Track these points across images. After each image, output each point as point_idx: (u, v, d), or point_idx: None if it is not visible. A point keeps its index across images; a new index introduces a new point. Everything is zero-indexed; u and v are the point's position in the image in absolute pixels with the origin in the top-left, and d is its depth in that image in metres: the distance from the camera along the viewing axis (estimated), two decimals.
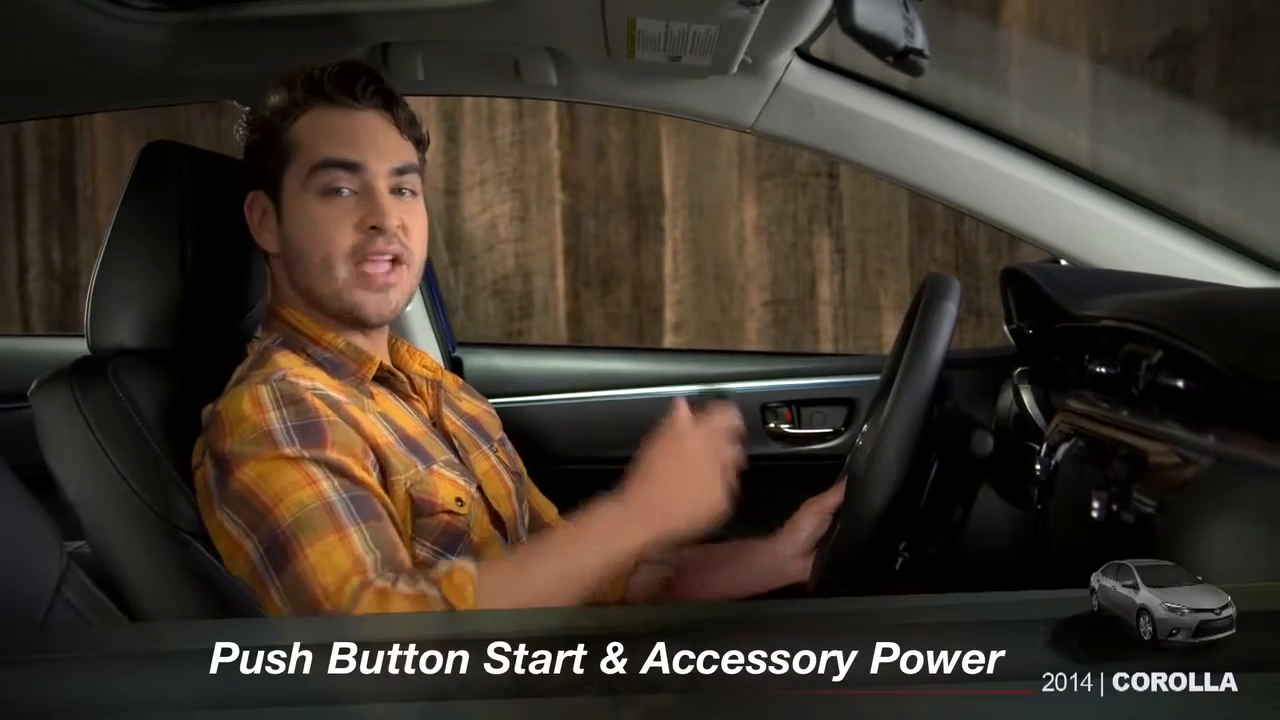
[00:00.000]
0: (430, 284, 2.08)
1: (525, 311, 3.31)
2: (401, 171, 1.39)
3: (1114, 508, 1.00)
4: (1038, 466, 1.25)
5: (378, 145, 1.38)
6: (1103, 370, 1.21)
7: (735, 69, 1.58)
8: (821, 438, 1.91)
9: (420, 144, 1.45)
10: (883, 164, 1.73)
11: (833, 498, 1.53)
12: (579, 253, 3.27)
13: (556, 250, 3.28)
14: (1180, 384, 1.01)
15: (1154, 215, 1.73)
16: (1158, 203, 1.75)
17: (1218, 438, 0.92)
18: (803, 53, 1.67)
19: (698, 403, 1.33)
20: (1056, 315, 1.39)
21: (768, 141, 3.07)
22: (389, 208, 1.36)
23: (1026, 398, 1.51)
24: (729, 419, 1.31)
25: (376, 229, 1.35)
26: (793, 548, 1.53)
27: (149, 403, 1.37)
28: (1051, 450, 1.23)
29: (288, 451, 1.25)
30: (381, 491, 1.29)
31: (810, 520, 1.53)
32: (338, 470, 1.25)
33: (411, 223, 1.39)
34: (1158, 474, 0.97)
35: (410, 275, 1.41)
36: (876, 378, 1.65)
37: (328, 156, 1.36)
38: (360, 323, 1.40)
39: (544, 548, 1.28)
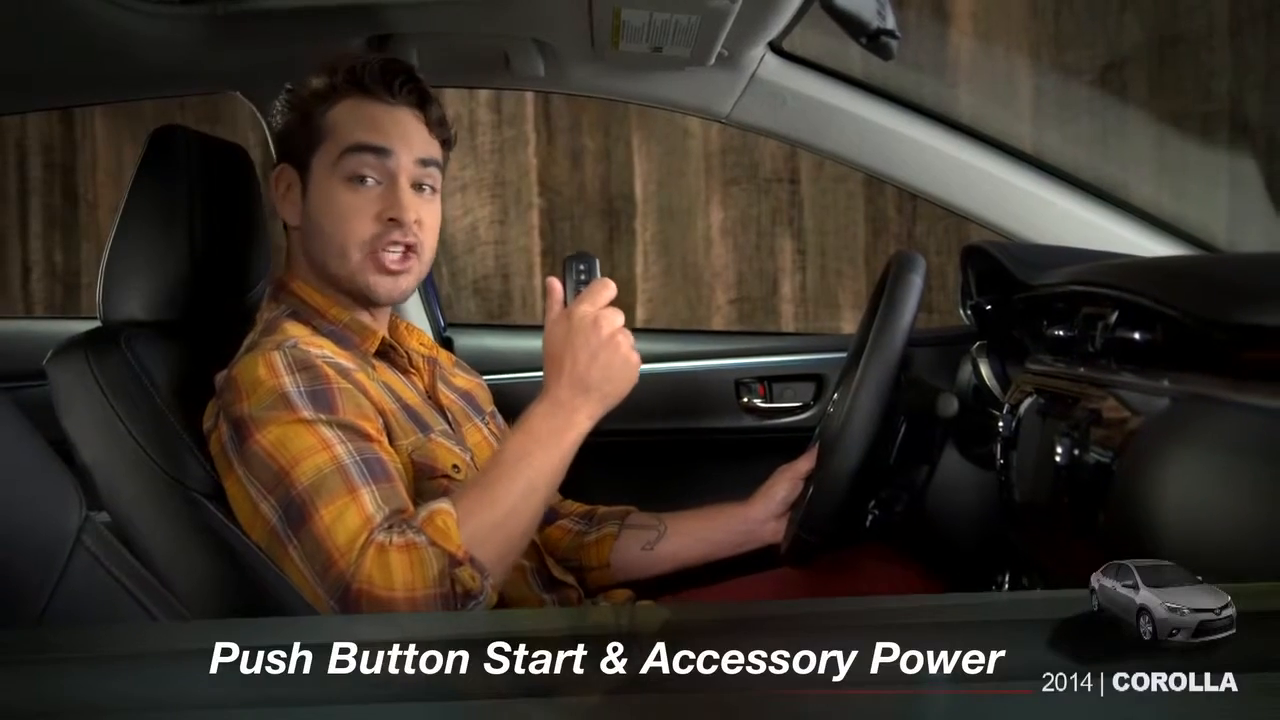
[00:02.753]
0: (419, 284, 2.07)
1: (504, 309, 3.30)
2: (425, 163, 1.39)
3: (1076, 452, 1.01)
4: (1000, 424, 1.26)
5: (407, 137, 1.38)
6: (1060, 334, 1.22)
7: (713, 61, 1.59)
8: (792, 411, 1.91)
9: (447, 144, 1.45)
10: (850, 153, 1.74)
11: (804, 464, 1.53)
12: (556, 253, 3.26)
13: (534, 251, 3.27)
14: (1137, 336, 1.01)
15: (1094, 200, 1.76)
16: (1098, 188, 1.77)
17: (1173, 381, 0.93)
18: (776, 47, 1.67)
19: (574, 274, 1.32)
20: (1015, 287, 1.39)
21: (743, 132, 3.09)
22: (408, 202, 1.37)
23: (984, 369, 1.52)
24: (603, 285, 1.30)
25: (395, 221, 1.36)
26: (767, 511, 1.54)
27: (160, 370, 1.36)
28: (1014, 408, 1.24)
29: (304, 415, 1.24)
30: (391, 450, 1.29)
31: (783, 485, 1.54)
32: (350, 432, 1.25)
33: (427, 218, 1.40)
34: (1116, 418, 0.98)
35: (421, 264, 1.41)
36: (843, 355, 1.65)
37: (359, 140, 1.36)
38: (371, 302, 1.41)
39: (503, 469, 1.25)
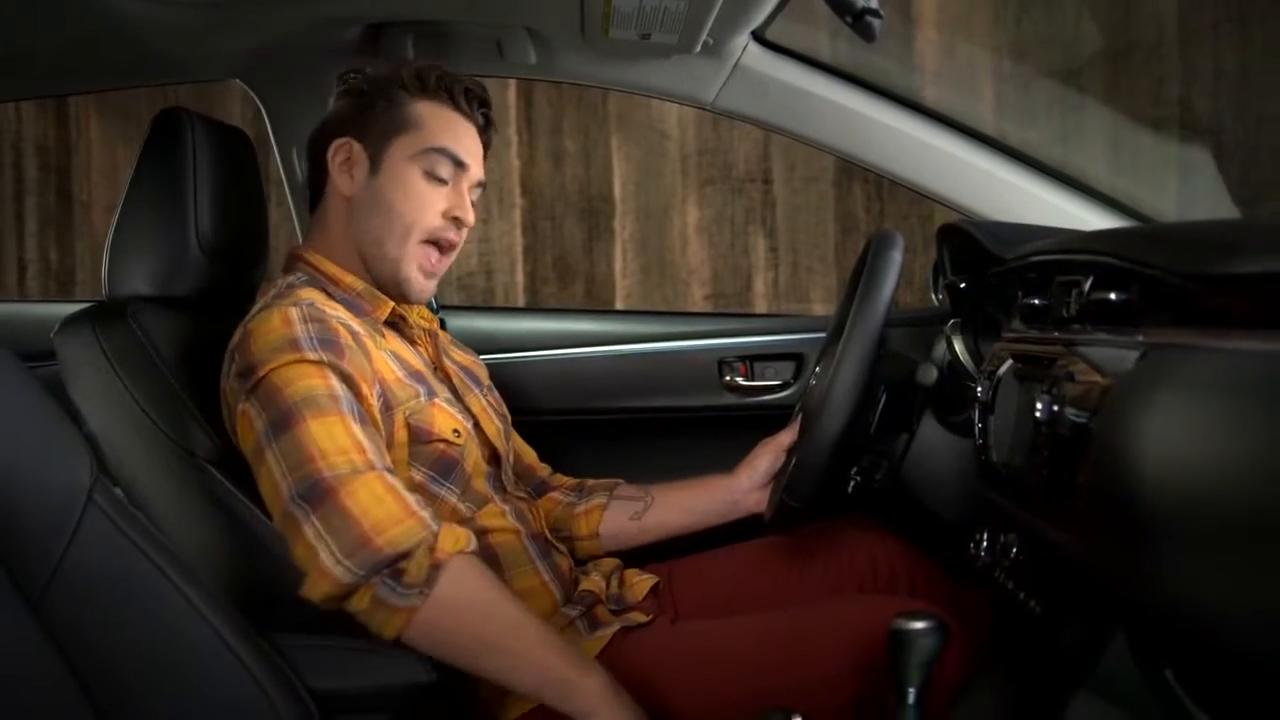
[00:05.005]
0: None
1: (488, 305, 3.29)
2: (479, 185, 1.47)
3: (1055, 408, 1.01)
4: (978, 389, 1.26)
5: (477, 156, 1.47)
6: (1035, 302, 1.22)
7: (699, 48, 1.59)
8: (772, 389, 1.91)
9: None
10: (828, 139, 1.74)
11: (786, 437, 1.54)
12: (537, 252, 3.26)
13: (516, 249, 3.27)
14: (1113, 297, 1.02)
15: (1058, 184, 1.77)
16: (1062, 173, 1.78)
17: (1148, 335, 0.93)
18: (758, 36, 1.68)
19: None
20: (990, 262, 1.40)
21: (717, 135, 3.12)
22: (470, 208, 1.44)
23: (958, 345, 1.52)
24: None
25: (459, 220, 1.43)
26: (750, 482, 1.54)
27: (165, 342, 1.35)
28: (991, 373, 1.24)
29: (310, 355, 1.24)
30: (378, 417, 1.29)
31: (766, 457, 1.55)
32: (347, 380, 1.25)
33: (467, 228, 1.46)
34: (1094, 373, 0.98)
35: (445, 266, 1.46)
36: (822, 334, 1.66)
37: (447, 146, 1.42)
38: (397, 295, 1.44)
39: (530, 613, 1.20)
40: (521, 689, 1.19)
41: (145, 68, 1.68)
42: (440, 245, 1.43)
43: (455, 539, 1.17)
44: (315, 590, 1.14)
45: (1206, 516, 0.75)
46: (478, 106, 1.47)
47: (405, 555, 1.14)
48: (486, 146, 1.50)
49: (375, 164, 1.42)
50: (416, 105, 1.43)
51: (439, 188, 1.42)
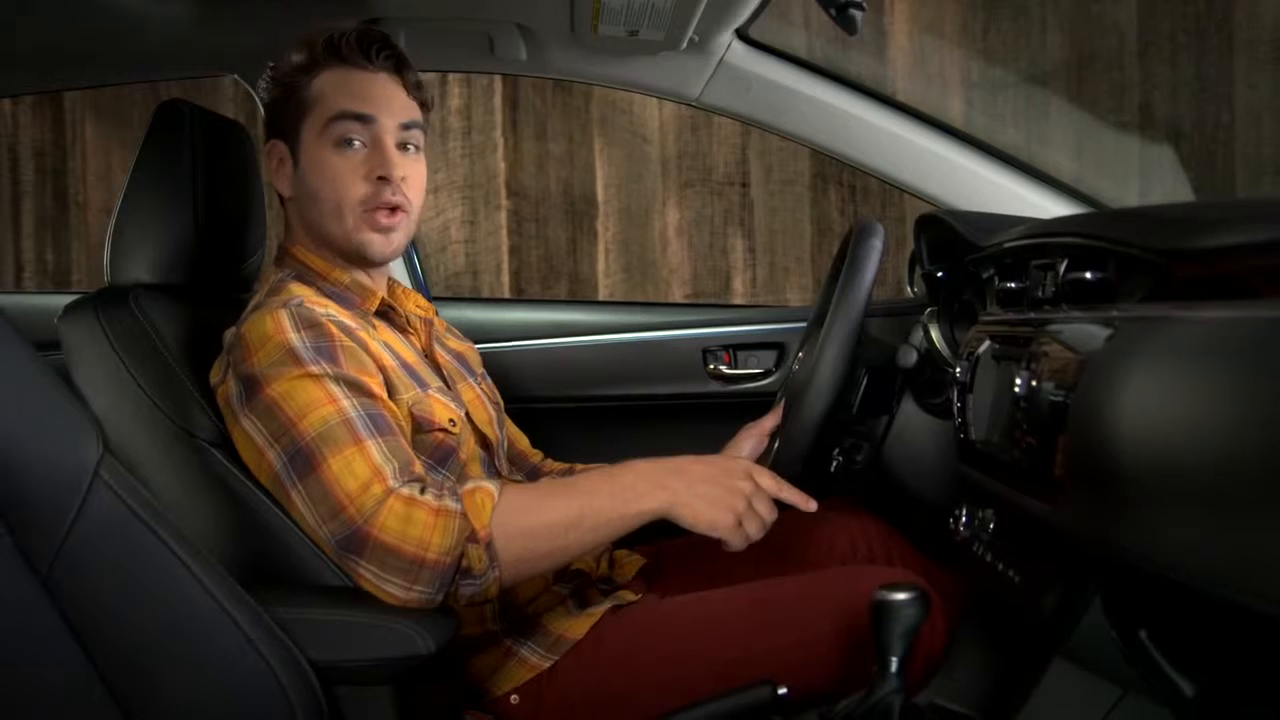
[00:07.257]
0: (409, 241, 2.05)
1: (477, 296, 3.29)
2: (408, 127, 1.37)
3: (1034, 383, 1.01)
4: (957, 370, 1.27)
5: (389, 103, 1.36)
6: (1012, 286, 1.23)
7: (685, 45, 1.59)
8: (755, 377, 1.92)
9: (425, 106, 1.43)
10: (808, 133, 1.75)
11: (769, 422, 1.54)
12: (522, 252, 3.26)
13: (502, 250, 3.26)
14: (1089, 276, 1.02)
15: (1028, 177, 1.78)
16: (1032, 167, 1.79)
17: (1123, 311, 0.94)
18: (742, 34, 1.68)
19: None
20: (967, 250, 1.40)
21: (696, 138, 3.12)
22: (395, 160, 1.35)
23: (934, 333, 1.53)
24: (784, 488, 1.24)
25: (384, 180, 1.34)
26: None
27: (166, 327, 1.34)
28: (970, 355, 1.24)
29: (311, 369, 1.22)
30: (393, 406, 1.27)
31: (749, 441, 1.54)
32: (354, 387, 1.23)
33: (413, 176, 1.38)
34: (1070, 348, 0.98)
35: (409, 221, 1.39)
36: (802, 324, 1.66)
37: (344, 109, 1.34)
38: (366, 261, 1.39)
39: (566, 489, 1.21)
40: (614, 539, 1.23)
41: (144, 63, 1.67)
42: (383, 209, 1.35)
43: (481, 507, 1.17)
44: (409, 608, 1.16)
45: (1182, 474, 0.76)
46: (377, 52, 1.36)
47: (460, 554, 1.14)
48: (412, 85, 1.40)
49: (296, 158, 1.37)
50: (313, 82, 1.35)
51: (355, 154, 1.34)
